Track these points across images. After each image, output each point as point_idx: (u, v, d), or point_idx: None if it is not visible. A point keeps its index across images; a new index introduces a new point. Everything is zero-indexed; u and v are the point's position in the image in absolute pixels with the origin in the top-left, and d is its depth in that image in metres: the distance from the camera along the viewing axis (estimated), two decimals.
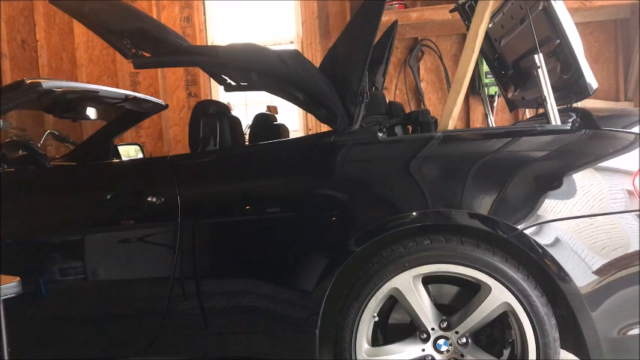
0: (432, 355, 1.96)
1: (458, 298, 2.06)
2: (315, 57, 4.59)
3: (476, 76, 4.17)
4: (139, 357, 2.16)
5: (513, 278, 1.85)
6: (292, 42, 4.93)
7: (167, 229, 2.11)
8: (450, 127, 2.41)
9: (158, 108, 3.37)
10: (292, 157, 2.14)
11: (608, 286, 1.81)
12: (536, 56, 2.05)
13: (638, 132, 1.89)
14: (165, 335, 2.14)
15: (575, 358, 2.00)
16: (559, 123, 1.99)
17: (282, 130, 3.17)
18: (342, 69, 2.14)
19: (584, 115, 2.01)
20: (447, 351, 1.95)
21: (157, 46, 2.21)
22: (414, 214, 1.92)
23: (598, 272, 1.81)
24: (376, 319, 1.98)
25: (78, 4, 2.21)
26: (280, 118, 3.47)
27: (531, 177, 1.90)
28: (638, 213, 1.82)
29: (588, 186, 1.84)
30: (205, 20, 5.05)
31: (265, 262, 2.06)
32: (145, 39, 2.21)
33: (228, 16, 5.09)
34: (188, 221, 2.09)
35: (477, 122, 4.44)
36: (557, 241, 1.82)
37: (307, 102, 2.18)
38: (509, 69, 2.85)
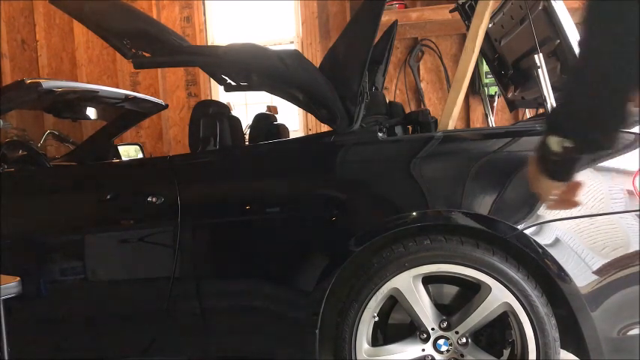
0: (432, 355, 1.96)
1: (458, 298, 2.06)
2: (315, 57, 4.59)
3: (476, 76, 4.16)
4: (139, 357, 2.16)
5: (513, 278, 1.85)
6: (292, 42, 4.92)
7: (167, 229, 2.11)
8: (450, 127, 2.41)
9: (158, 108, 3.38)
10: (292, 157, 2.14)
11: (608, 286, 1.81)
12: (536, 56, 2.05)
13: (638, 132, 1.89)
14: (165, 335, 2.14)
15: (575, 358, 2.00)
16: None
17: (282, 130, 3.17)
18: (342, 69, 2.14)
19: None
20: (447, 351, 1.95)
21: (157, 46, 2.21)
22: (414, 214, 1.92)
23: (598, 272, 1.81)
24: (376, 319, 1.98)
25: (78, 4, 2.21)
26: (280, 118, 3.47)
27: None
28: (638, 213, 1.82)
29: (588, 186, 1.84)
30: (205, 20, 5.05)
31: (265, 262, 2.06)
32: (145, 39, 2.20)
33: (228, 16, 5.09)
34: (188, 221, 2.09)
35: (477, 122, 4.43)
36: (557, 241, 1.82)
37: (307, 102, 2.18)
38: (509, 69, 2.85)
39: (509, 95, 2.99)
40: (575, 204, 0.96)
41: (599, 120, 0.85)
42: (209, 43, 4.99)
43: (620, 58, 0.82)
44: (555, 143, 0.87)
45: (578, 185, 0.93)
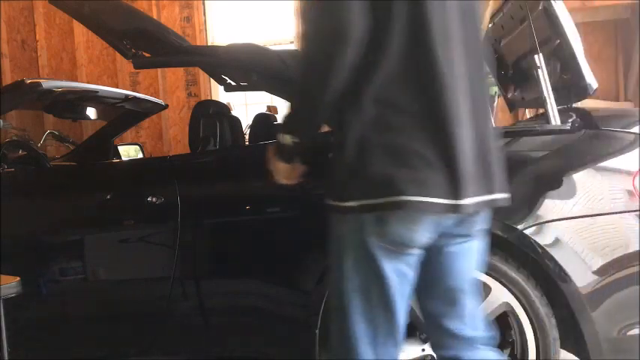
0: (432, 355, 1.96)
1: None
2: None
3: None
4: (139, 357, 2.16)
5: (513, 278, 1.85)
6: (292, 42, 4.92)
7: (167, 229, 2.11)
8: None
9: (158, 108, 3.37)
10: None
11: (608, 286, 1.81)
12: (536, 56, 2.05)
13: (638, 132, 1.89)
14: (165, 335, 2.14)
15: (575, 358, 1.99)
16: (559, 123, 1.99)
17: None
18: None
19: (584, 115, 2.01)
20: None
21: (157, 46, 2.21)
22: None
23: (598, 272, 1.81)
24: None
25: (78, 4, 2.21)
26: (280, 118, 3.46)
27: (531, 177, 1.89)
28: (638, 213, 1.81)
29: (588, 186, 1.84)
30: (205, 20, 5.05)
31: (265, 262, 2.06)
32: (145, 39, 2.21)
33: (228, 16, 5.09)
34: (188, 221, 2.09)
35: None
36: (557, 241, 1.82)
37: None
38: (509, 69, 2.84)
39: (509, 95, 2.99)
40: (296, 178, 1.41)
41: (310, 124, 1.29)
42: (209, 43, 4.99)
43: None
44: (288, 139, 1.29)
45: (298, 166, 1.38)
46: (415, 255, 1.22)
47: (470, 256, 1.34)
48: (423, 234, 1.20)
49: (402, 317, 1.25)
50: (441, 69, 1.16)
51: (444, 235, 1.25)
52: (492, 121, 1.30)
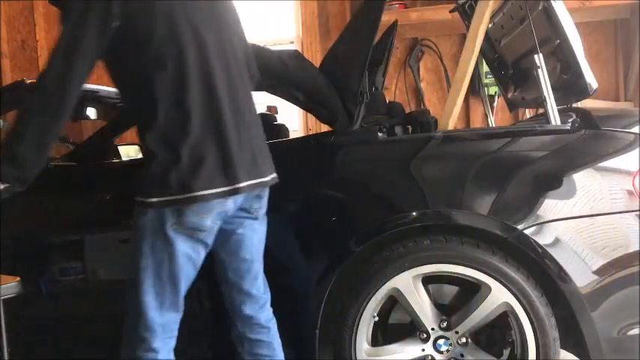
0: (431, 355, 1.96)
1: (458, 298, 2.06)
2: (315, 57, 4.58)
3: (476, 76, 4.16)
4: None
5: (513, 278, 1.85)
6: (292, 42, 4.92)
7: None
8: (450, 127, 2.42)
9: None
10: (292, 157, 2.14)
11: (608, 286, 1.81)
12: (536, 56, 2.05)
13: (638, 132, 1.89)
14: None
15: (575, 358, 2.00)
16: (559, 123, 1.99)
17: (282, 130, 3.17)
18: (342, 69, 2.14)
19: (584, 115, 2.01)
20: (447, 351, 1.95)
21: None
22: (414, 214, 1.92)
23: (598, 272, 1.81)
24: (376, 319, 1.98)
25: None
26: (280, 118, 3.46)
27: (531, 177, 1.90)
28: (638, 213, 1.82)
29: (588, 186, 1.84)
30: None
31: (265, 262, 2.06)
32: None
33: None
34: None
35: (477, 122, 4.43)
36: (557, 241, 1.82)
37: (307, 102, 2.18)
38: (509, 69, 2.85)
39: (509, 95, 2.99)
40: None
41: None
42: None
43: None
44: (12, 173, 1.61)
45: None
46: (205, 239, 1.56)
47: (256, 234, 1.73)
48: (213, 220, 1.55)
49: (183, 291, 1.58)
50: (219, 99, 1.55)
51: (234, 219, 1.63)
52: (256, 119, 1.73)
